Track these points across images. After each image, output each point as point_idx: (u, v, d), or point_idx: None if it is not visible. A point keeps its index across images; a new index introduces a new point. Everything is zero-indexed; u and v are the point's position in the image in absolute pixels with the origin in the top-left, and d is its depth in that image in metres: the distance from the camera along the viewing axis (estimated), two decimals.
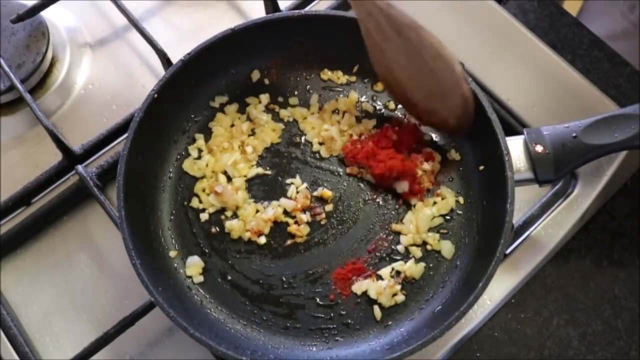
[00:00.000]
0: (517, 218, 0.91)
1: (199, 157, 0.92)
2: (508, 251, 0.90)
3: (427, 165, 0.89)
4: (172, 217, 0.89)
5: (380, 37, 0.80)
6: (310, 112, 0.96)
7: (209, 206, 0.90)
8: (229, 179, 0.91)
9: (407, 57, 0.81)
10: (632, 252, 0.92)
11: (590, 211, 0.92)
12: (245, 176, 0.91)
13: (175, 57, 0.91)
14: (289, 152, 0.94)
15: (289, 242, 0.88)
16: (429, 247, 0.87)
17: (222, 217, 0.89)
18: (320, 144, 0.94)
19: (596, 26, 1.09)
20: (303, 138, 0.94)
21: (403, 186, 0.88)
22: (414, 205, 0.88)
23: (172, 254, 0.87)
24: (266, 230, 0.88)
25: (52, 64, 1.04)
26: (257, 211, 0.89)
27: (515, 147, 0.83)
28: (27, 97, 0.95)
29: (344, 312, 0.84)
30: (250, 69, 0.97)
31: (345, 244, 0.88)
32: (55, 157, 0.96)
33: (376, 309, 0.84)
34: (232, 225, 0.88)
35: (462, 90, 0.82)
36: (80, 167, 0.93)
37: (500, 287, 0.88)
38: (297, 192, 0.90)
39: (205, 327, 0.80)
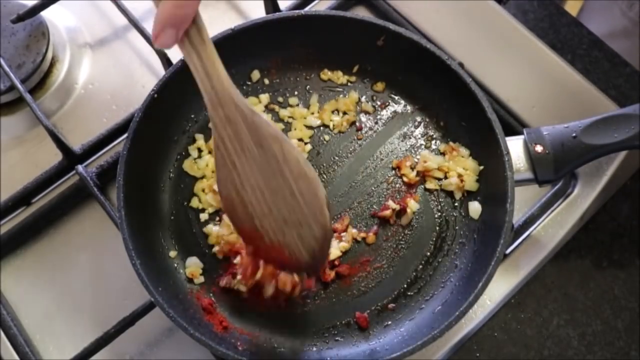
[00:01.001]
0: (517, 218, 0.91)
1: (199, 157, 0.92)
2: (508, 251, 0.90)
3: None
4: (172, 217, 0.89)
5: (236, 148, 0.68)
6: (310, 112, 0.96)
7: (209, 206, 0.89)
8: None
9: (264, 174, 0.69)
10: (632, 252, 0.92)
11: (590, 211, 0.92)
12: None
13: (175, 57, 0.91)
14: None
15: None
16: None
17: (217, 218, 0.89)
18: None
19: (596, 25, 1.09)
20: None
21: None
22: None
23: (172, 254, 0.87)
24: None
25: (52, 64, 1.04)
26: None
27: (515, 147, 0.83)
28: (27, 97, 0.95)
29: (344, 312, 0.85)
30: (250, 69, 0.97)
31: None
32: (55, 157, 0.96)
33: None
34: (210, 231, 0.88)
35: (324, 219, 0.70)
36: (80, 167, 0.93)
37: (500, 287, 0.88)
38: None
39: (205, 327, 0.80)
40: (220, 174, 0.71)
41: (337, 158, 0.93)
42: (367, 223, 0.89)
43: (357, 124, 0.95)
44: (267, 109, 0.96)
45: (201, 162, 0.92)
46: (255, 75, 0.97)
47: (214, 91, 0.67)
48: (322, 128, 0.95)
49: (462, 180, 0.88)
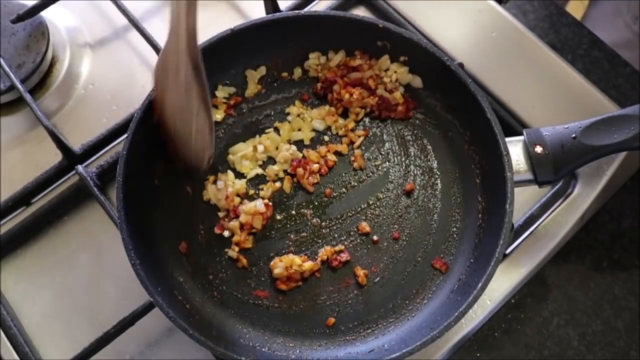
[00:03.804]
0: (517, 218, 0.91)
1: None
2: (508, 251, 0.90)
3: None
4: (172, 217, 0.89)
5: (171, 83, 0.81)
6: (318, 114, 0.95)
7: (208, 197, 0.90)
8: (237, 177, 0.92)
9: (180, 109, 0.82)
10: (632, 252, 0.92)
11: (590, 211, 0.92)
12: (246, 177, 0.92)
13: None
14: None
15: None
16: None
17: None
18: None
19: (599, 36, 1.09)
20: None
21: None
22: None
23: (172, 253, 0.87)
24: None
25: (52, 64, 1.04)
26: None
27: (514, 148, 0.83)
28: (27, 97, 0.95)
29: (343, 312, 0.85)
30: (250, 69, 0.97)
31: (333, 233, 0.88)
32: (55, 157, 0.96)
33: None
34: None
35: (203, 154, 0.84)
36: (80, 167, 0.93)
37: (500, 287, 0.88)
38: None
39: (204, 327, 0.80)
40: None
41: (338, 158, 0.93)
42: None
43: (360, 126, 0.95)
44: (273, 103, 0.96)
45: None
46: (259, 73, 0.97)
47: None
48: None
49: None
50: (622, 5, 1.33)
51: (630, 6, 1.31)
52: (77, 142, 0.96)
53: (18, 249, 0.93)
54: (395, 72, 0.94)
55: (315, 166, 0.91)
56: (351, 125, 0.94)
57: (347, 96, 0.93)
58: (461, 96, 0.87)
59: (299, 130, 0.94)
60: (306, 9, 1.06)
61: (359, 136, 0.94)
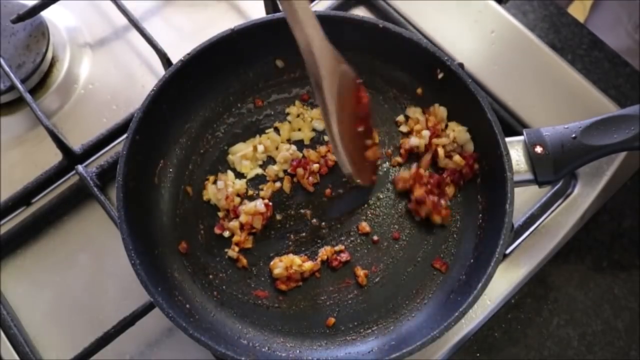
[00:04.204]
0: (517, 218, 0.91)
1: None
2: (508, 251, 0.90)
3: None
4: (172, 217, 0.89)
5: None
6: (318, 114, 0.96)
7: (208, 197, 0.90)
8: (237, 177, 0.92)
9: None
10: (632, 252, 0.92)
11: (590, 211, 0.92)
12: (246, 177, 0.92)
13: (175, 57, 0.91)
14: None
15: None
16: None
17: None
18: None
19: None
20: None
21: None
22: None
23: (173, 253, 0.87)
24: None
25: (52, 64, 1.04)
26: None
27: (514, 148, 0.83)
28: (27, 97, 0.95)
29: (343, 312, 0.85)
30: (251, 68, 0.97)
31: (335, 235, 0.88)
32: (55, 157, 0.96)
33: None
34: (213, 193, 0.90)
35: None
36: (80, 167, 0.93)
37: (500, 287, 0.88)
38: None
39: (204, 327, 0.80)
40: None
41: None
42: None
43: None
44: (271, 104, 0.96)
45: None
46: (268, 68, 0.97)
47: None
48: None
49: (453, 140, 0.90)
50: (622, 14, 1.34)
51: (631, 14, 1.32)
52: (77, 142, 0.96)
53: (18, 249, 0.93)
54: (453, 130, 0.90)
55: (315, 166, 0.91)
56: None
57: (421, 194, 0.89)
58: (461, 96, 0.88)
59: (299, 130, 0.95)
60: None
61: None
